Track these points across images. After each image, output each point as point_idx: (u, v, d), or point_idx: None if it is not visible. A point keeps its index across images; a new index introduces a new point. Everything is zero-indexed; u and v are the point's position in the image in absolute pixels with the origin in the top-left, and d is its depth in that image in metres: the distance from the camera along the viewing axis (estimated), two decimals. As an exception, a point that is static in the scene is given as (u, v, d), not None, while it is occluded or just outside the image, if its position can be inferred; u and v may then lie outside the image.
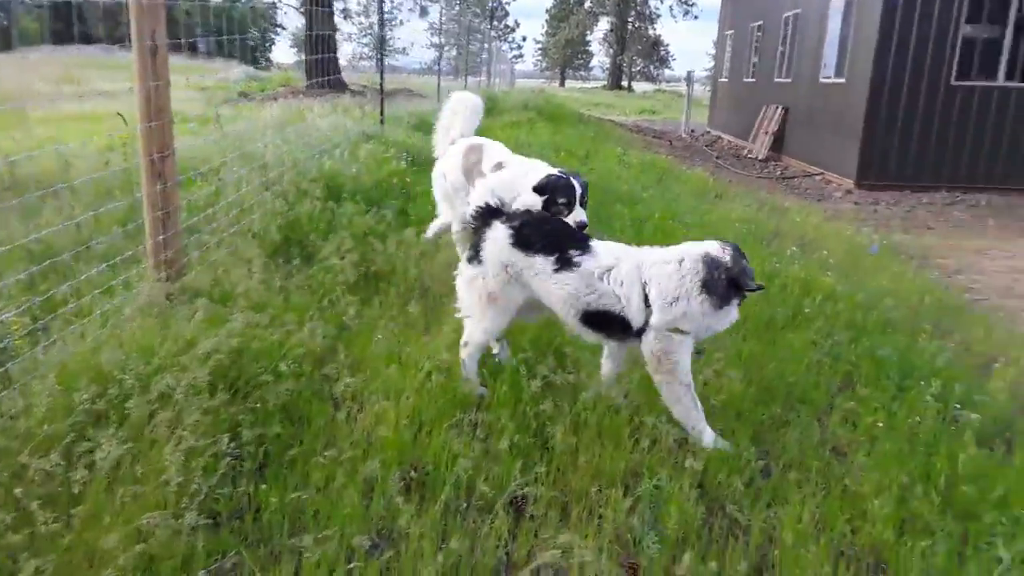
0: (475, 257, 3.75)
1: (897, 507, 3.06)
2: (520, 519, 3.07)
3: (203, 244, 5.14)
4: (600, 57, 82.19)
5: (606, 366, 3.94)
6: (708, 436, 3.48)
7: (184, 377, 3.38)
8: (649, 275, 3.47)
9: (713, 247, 3.45)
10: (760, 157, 18.65)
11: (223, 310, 4.19)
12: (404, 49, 30.88)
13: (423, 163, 9.75)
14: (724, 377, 4.05)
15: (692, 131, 26.26)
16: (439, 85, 15.51)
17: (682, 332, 3.46)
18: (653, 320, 3.43)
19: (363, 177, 7.50)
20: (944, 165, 13.77)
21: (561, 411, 3.69)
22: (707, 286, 3.36)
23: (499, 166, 5.24)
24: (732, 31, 25.65)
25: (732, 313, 3.50)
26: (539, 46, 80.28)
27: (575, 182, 4.50)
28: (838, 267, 7.33)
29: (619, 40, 68.61)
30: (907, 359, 4.63)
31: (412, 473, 3.19)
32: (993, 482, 3.18)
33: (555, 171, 4.67)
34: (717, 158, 18.74)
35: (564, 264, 3.56)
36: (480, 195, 3.88)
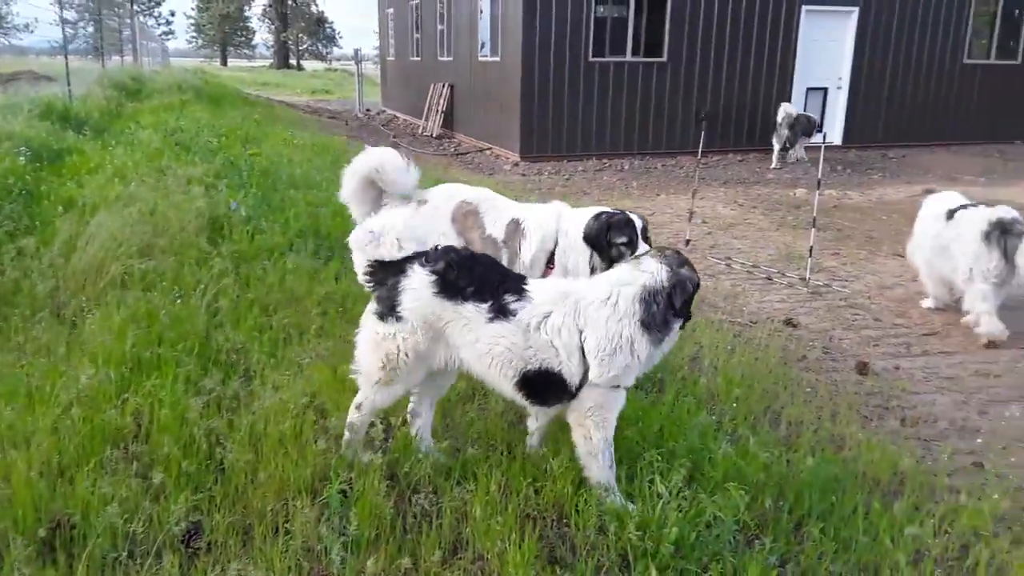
0: (390, 313, 3.02)
1: (573, 461, 3.24)
2: (195, 555, 2.73)
3: None
4: (263, 34, 78.35)
5: (532, 431, 3.42)
6: (616, 498, 3.05)
7: None
8: (584, 320, 2.95)
9: (646, 275, 2.96)
10: (435, 135, 19.15)
11: None
12: (27, 26, 26.29)
13: (49, 157, 8.39)
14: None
15: (368, 110, 26.17)
16: (67, 66, 13.49)
17: (623, 387, 3.04)
18: (592, 375, 2.94)
19: (-35, 179, 6.21)
20: (592, 135, 15.28)
21: (235, 426, 3.36)
22: (647, 325, 2.92)
23: (516, 224, 4.22)
24: (392, 9, 25.89)
25: (675, 334, 3.08)
26: (192, 22, 74.02)
27: (633, 216, 3.81)
28: (509, 236, 7.72)
29: (280, 16, 65.79)
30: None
31: (50, 530, 2.67)
32: (650, 422, 3.51)
33: (603, 209, 3.93)
34: (394, 137, 18.87)
35: (501, 313, 2.94)
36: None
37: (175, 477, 2.98)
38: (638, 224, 3.85)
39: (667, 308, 2.92)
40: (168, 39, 70.56)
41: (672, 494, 2.89)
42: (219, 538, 2.79)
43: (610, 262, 3.73)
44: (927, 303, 6.32)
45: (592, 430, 3.01)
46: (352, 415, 3.24)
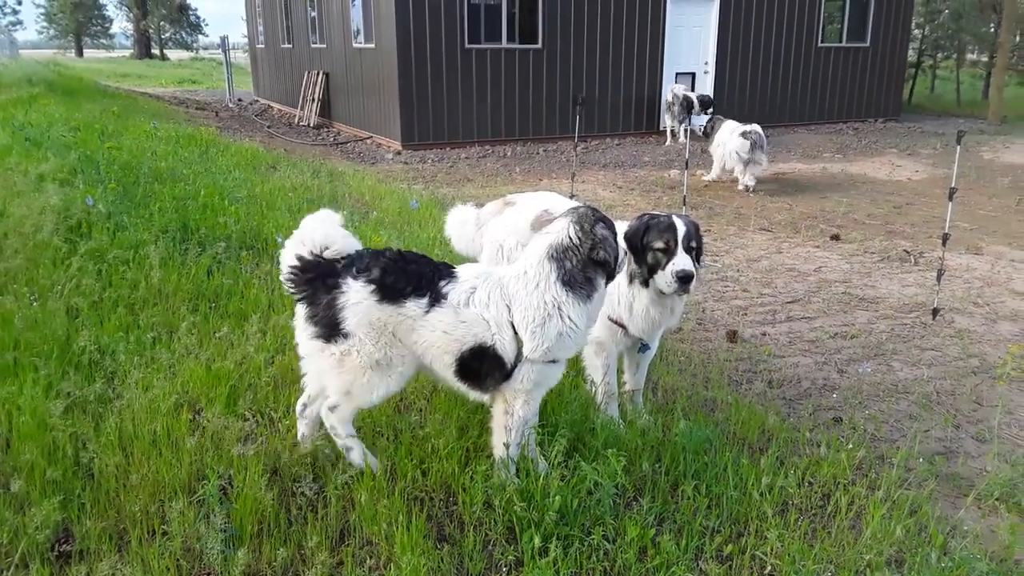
0: (335, 332, 2.87)
1: (460, 441, 3.27)
2: (66, 565, 2.60)
3: None
4: (122, 23, 73.50)
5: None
6: (508, 474, 3.02)
7: None
8: (509, 296, 2.89)
9: (552, 235, 2.92)
10: (312, 124, 18.63)
11: None
12: None
13: None
14: (291, 351, 3.90)
15: (239, 100, 25.14)
16: None
17: (557, 361, 2.98)
18: (526, 350, 2.88)
19: None
20: (473, 122, 15.30)
21: (102, 429, 3.19)
22: (569, 283, 2.87)
23: None
24: (260, -5, 24.96)
25: (602, 293, 3.01)
26: (42, 11, 68.64)
27: (677, 220, 3.39)
28: (392, 224, 7.65)
29: (139, 3, 61.84)
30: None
31: None
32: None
33: (651, 212, 3.58)
34: (269, 127, 18.23)
35: (435, 300, 2.86)
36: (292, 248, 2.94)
37: (39, 485, 2.82)
38: (680, 229, 3.36)
39: (586, 264, 2.89)
40: (16, 29, 65.33)
41: (553, 464, 2.96)
42: (91, 545, 2.67)
43: (649, 269, 3.41)
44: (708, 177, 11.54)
45: (517, 406, 2.98)
46: (328, 419, 3.08)
